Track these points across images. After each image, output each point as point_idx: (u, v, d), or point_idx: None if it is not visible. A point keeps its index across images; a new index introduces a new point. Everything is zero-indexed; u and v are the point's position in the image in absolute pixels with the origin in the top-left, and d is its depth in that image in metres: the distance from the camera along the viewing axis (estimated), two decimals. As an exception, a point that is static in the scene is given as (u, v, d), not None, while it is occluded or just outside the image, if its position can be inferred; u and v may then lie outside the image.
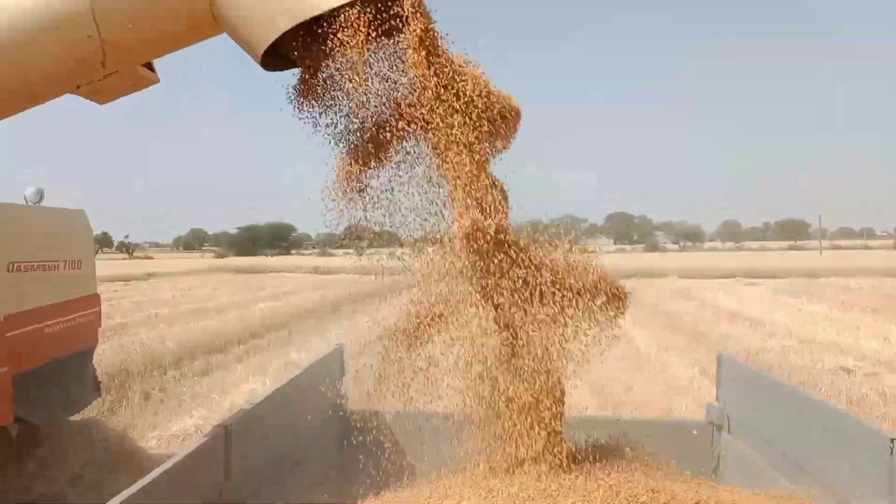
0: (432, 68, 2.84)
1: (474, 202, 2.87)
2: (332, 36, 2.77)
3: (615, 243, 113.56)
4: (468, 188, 2.86)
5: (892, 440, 2.71)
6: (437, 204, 3.08)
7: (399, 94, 3.00)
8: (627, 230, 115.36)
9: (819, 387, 10.01)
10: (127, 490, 2.08)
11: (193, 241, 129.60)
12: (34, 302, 5.18)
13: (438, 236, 3.11)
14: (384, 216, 3.16)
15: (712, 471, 4.06)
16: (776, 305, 22.11)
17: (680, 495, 2.48)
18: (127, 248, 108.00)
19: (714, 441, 4.29)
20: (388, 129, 2.94)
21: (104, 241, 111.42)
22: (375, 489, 2.86)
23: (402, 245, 3.37)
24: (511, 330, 3.04)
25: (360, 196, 3.11)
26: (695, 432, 4.28)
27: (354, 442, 4.10)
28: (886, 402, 9.23)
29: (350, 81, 2.81)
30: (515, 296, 3.00)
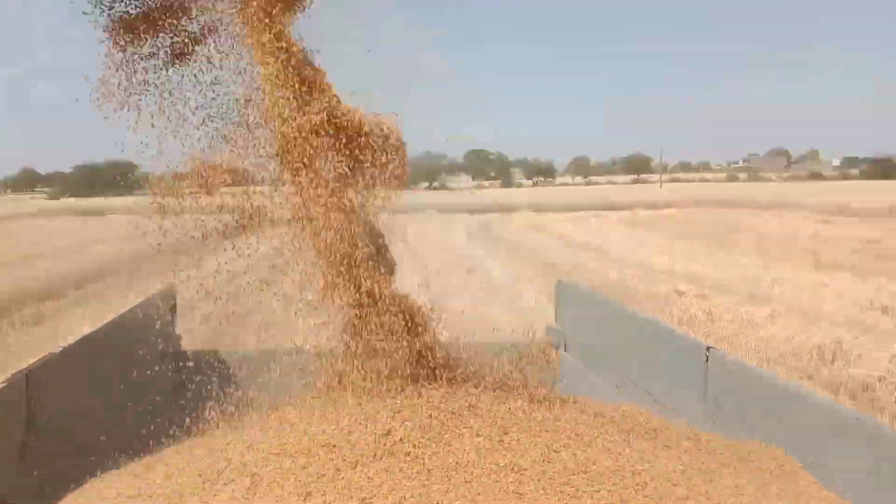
0: None
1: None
2: None
3: (473, 179, 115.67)
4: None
5: (707, 349, 2.91)
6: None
7: None
8: (485, 167, 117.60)
9: (655, 309, 10.77)
10: None
11: (24, 183, 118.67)
12: None
13: None
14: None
15: (551, 387, 4.24)
16: (620, 236, 23.48)
17: (519, 411, 2.51)
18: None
19: (552, 360, 4.49)
20: None
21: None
22: (212, 429, 2.71)
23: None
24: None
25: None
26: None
27: (189, 383, 3.92)
28: (713, 320, 10.09)
29: None
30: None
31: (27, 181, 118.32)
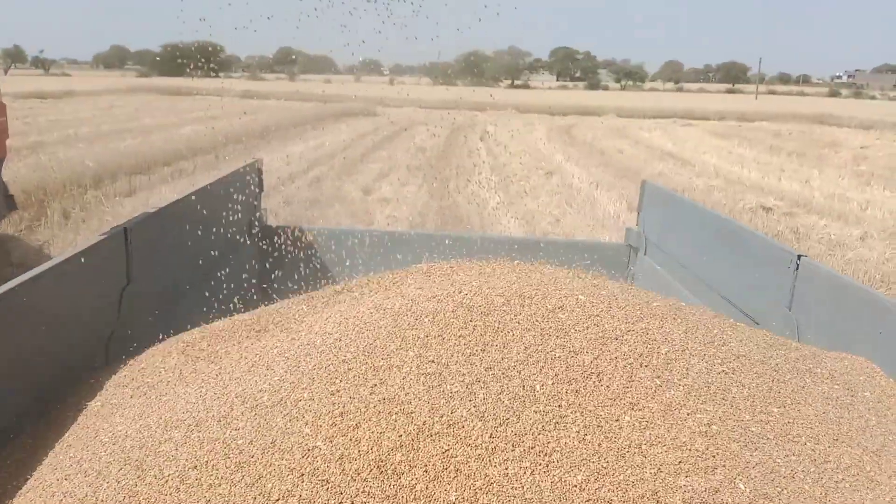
0: None
1: None
2: None
3: (557, 79, 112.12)
4: None
5: (798, 256, 2.78)
6: None
7: None
8: (571, 67, 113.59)
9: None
10: (13, 280, 1.95)
11: (114, 59, 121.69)
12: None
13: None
14: None
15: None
16: (708, 147, 22.54)
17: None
18: (42, 64, 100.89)
19: (630, 262, 4.40)
20: None
21: (17, 56, 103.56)
22: (293, 301, 2.78)
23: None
24: None
25: None
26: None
27: (272, 258, 4.04)
28: (799, 238, 9.70)
29: None
30: None
31: (118, 57, 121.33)
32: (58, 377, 2.13)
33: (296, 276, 3.17)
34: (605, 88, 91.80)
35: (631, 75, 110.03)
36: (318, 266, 3.99)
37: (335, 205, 11.02)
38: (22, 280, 1.97)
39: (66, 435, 1.88)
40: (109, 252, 2.53)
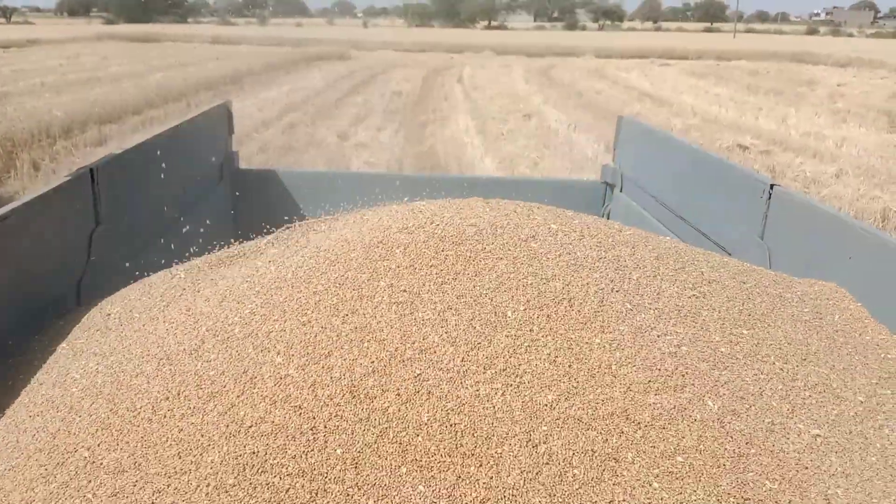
0: None
1: None
2: None
3: (535, 20, 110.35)
4: None
5: (771, 185, 2.79)
6: None
7: None
8: (548, 6, 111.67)
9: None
10: None
11: (79, 6, 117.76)
12: None
13: None
14: None
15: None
16: (685, 86, 22.43)
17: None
18: (4, 13, 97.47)
19: (606, 200, 4.40)
20: None
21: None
22: (262, 241, 2.75)
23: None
24: None
25: None
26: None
27: (244, 201, 4.00)
28: (775, 176, 9.77)
29: None
30: None
31: (82, 5, 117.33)
32: (27, 320, 2.10)
33: (268, 219, 3.14)
34: (583, 28, 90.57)
35: (609, 15, 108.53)
36: (292, 209, 3.96)
37: (310, 150, 10.88)
38: None
39: (38, 374, 1.87)
40: (76, 193, 2.47)
